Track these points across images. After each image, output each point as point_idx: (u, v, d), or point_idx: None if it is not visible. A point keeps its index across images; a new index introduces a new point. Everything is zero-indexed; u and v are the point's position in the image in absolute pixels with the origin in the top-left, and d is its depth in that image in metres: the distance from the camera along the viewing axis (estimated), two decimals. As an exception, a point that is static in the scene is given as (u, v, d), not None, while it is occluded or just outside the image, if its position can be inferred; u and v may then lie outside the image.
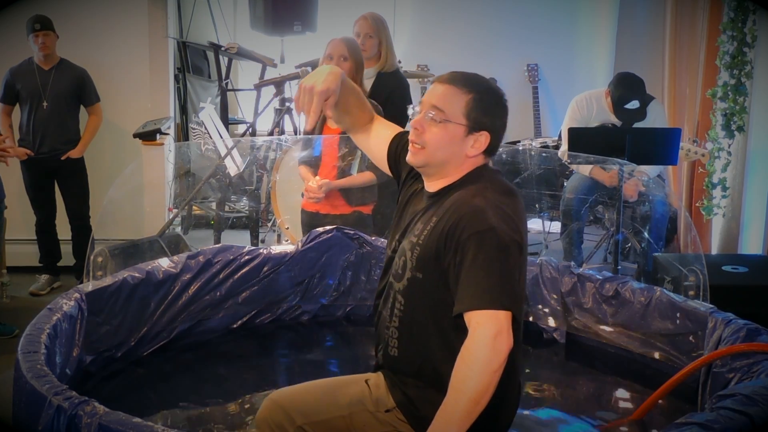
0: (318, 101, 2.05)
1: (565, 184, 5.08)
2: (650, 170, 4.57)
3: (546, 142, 6.05)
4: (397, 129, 2.32)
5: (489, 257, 1.86)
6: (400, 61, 6.18)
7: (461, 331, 1.89)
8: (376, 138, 2.29)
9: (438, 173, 2.06)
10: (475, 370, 1.79)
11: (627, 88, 4.57)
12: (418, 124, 2.03)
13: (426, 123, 2.02)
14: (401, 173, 2.24)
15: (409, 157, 2.07)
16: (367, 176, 3.89)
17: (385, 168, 2.30)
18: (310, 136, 4.03)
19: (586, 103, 4.72)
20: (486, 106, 2.00)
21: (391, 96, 4.15)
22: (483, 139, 2.01)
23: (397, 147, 2.25)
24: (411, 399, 2.05)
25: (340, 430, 2.08)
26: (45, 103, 4.99)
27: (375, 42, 4.22)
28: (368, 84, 4.15)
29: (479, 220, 1.89)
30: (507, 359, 1.83)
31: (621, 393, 3.19)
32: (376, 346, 2.18)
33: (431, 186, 2.08)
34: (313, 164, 4.01)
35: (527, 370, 3.40)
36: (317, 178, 3.90)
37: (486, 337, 1.80)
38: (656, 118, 4.64)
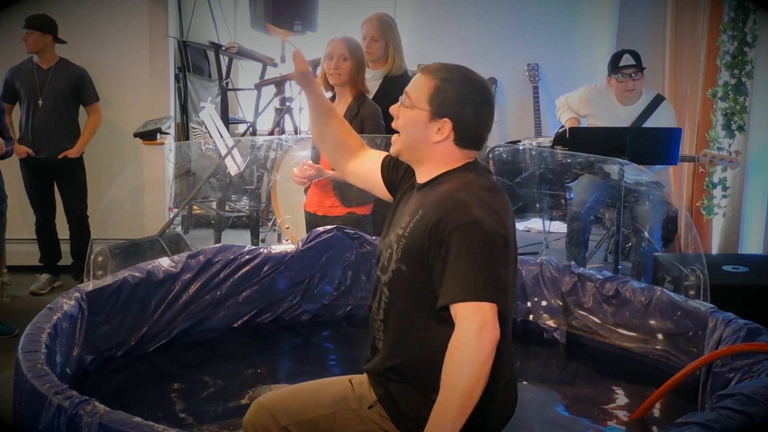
0: None
1: (567, 183, 5.08)
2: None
3: (546, 142, 6.04)
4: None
5: (473, 250, 1.87)
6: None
7: (442, 325, 1.90)
8: (368, 161, 2.33)
9: (415, 160, 2.11)
10: (462, 364, 1.79)
11: (618, 52, 4.69)
12: (395, 110, 2.12)
13: (400, 109, 2.10)
14: (398, 177, 2.25)
15: (391, 147, 2.14)
16: None
17: (381, 188, 2.31)
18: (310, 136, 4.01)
19: (597, 93, 4.75)
20: (450, 93, 2.02)
21: (398, 99, 4.11)
22: (447, 126, 2.02)
23: (390, 160, 2.28)
24: (392, 394, 2.05)
25: (324, 429, 2.09)
26: (41, 101, 4.98)
27: (381, 45, 4.14)
28: (374, 87, 4.12)
29: (463, 214, 1.90)
30: (495, 351, 1.83)
31: (621, 393, 3.19)
32: (369, 342, 2.19)
33: (420, 177, 2.12)
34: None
35: (526, 370, 3.40)
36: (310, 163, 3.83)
37: (471, 329, 1.81)
38: (664, 115, 4.63)
